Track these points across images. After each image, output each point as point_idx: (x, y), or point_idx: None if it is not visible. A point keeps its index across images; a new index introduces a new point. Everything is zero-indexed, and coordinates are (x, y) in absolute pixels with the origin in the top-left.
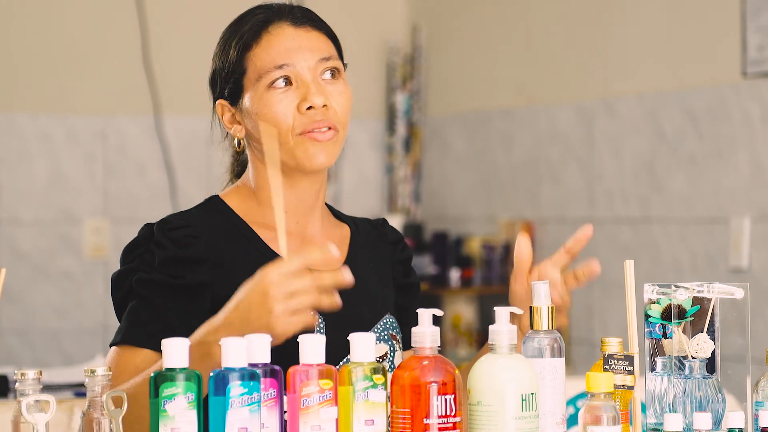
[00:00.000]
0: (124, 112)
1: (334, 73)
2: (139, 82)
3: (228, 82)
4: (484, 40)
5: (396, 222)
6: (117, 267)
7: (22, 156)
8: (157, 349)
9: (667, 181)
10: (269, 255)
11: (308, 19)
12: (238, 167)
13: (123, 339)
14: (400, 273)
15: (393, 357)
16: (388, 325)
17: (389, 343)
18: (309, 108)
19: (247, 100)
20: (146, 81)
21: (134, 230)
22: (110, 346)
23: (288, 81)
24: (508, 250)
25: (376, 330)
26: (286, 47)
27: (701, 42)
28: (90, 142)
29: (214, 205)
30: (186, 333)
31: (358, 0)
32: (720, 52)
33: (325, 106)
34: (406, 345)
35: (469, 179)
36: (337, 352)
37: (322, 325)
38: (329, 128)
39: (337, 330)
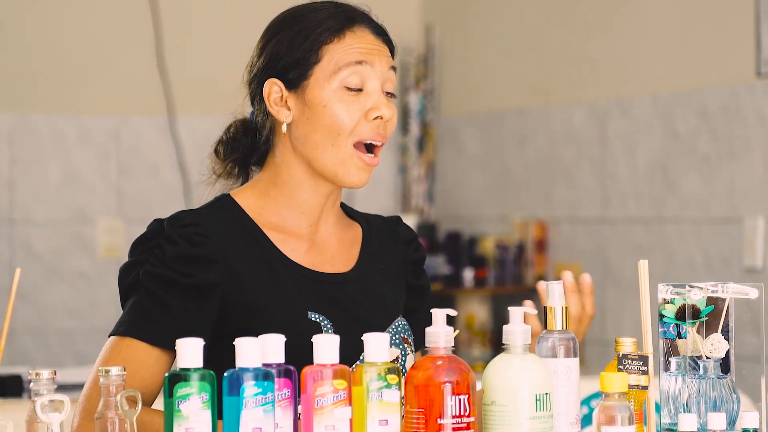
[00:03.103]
0: (137, 112)
1: (390, 91)
2: (153, 82)
3: (294, 66)
4: (498, 40)
5: (409, 222)
6: None
7: (35, 156)
8: (160, 345)
9: (681, 181)
10: (278, 257)
11: (383, 33)
12: (232, 162)
13: (126, 331)
14: (411, 273)
15: (405, 361)
16: (400, 328)
17: (401, 346)
18: (376, 118)
19: (314, 89)
20: (160, 81)
21: None
22: (110, 336)
23: (359, 88)
24: (521, 249)
25: (387, 333)
26: (368, 48)
27: (715, 42)
28: (103, 142)
29: (224, 204)
30: (190, 333)
31: (371, 0)
32: (734, 52)
33: (387, 120)
34: (416, 347)
35: (482, 179)
36: (346, 356)
37: (329, 328)
38: (378, 146)
39: (347, 333)
